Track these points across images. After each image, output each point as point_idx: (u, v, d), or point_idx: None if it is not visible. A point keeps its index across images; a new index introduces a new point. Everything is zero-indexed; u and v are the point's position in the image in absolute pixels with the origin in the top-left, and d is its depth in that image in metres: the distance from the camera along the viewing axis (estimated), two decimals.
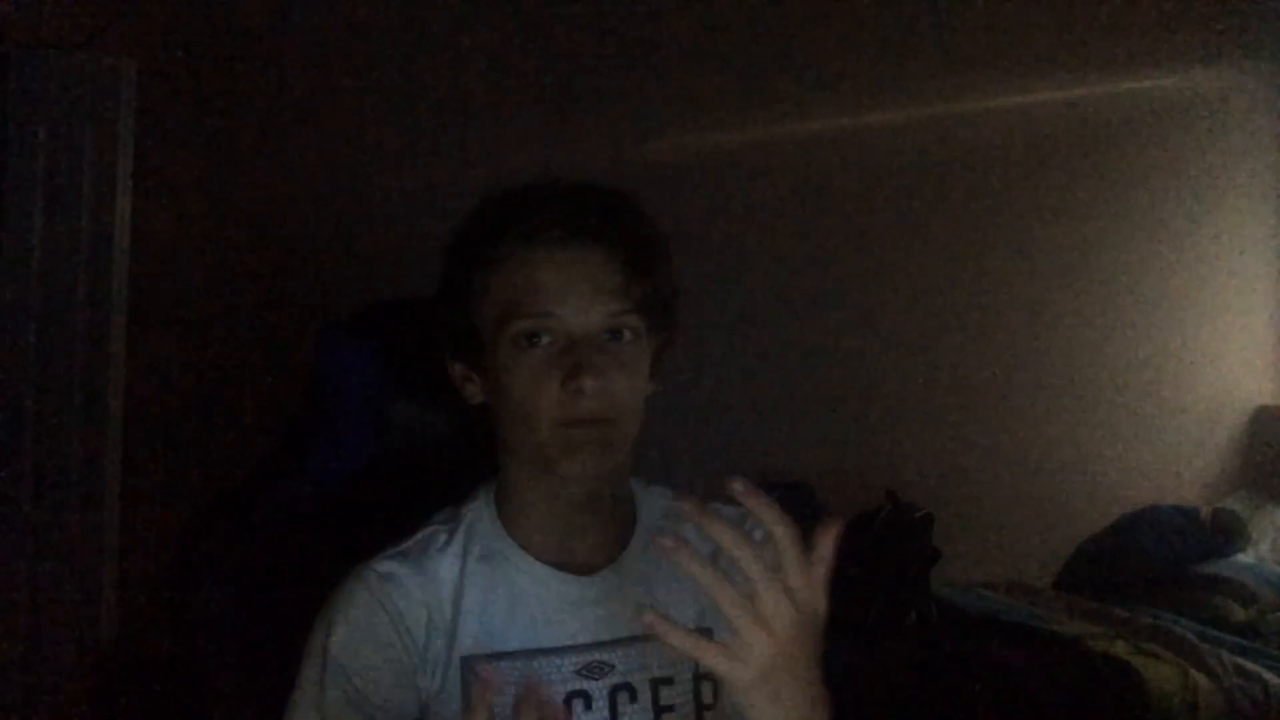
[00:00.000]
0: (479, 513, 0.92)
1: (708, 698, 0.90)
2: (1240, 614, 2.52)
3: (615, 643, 0.88)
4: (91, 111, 2.52)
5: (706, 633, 0.90)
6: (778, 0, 2.89)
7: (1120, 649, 2.16)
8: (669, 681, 0.89)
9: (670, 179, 2.82)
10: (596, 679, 0.87)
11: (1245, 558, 2.81)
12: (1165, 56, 3.10)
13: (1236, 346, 3.27)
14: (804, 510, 2.48)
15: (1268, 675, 2.15)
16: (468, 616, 0.86)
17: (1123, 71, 3.07)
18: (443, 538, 0.90)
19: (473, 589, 0.87)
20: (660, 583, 0.91)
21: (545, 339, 0.84)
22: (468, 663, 0.85)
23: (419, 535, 0.90)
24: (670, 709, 0.89)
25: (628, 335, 0.87)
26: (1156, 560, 2.72)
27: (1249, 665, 2.17)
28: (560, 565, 0.89)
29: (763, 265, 2.87)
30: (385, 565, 0.87)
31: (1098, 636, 2.24)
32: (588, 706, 0.86)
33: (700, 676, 0.90)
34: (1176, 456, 3.16)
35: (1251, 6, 3.12)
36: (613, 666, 0.88)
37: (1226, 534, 2.85)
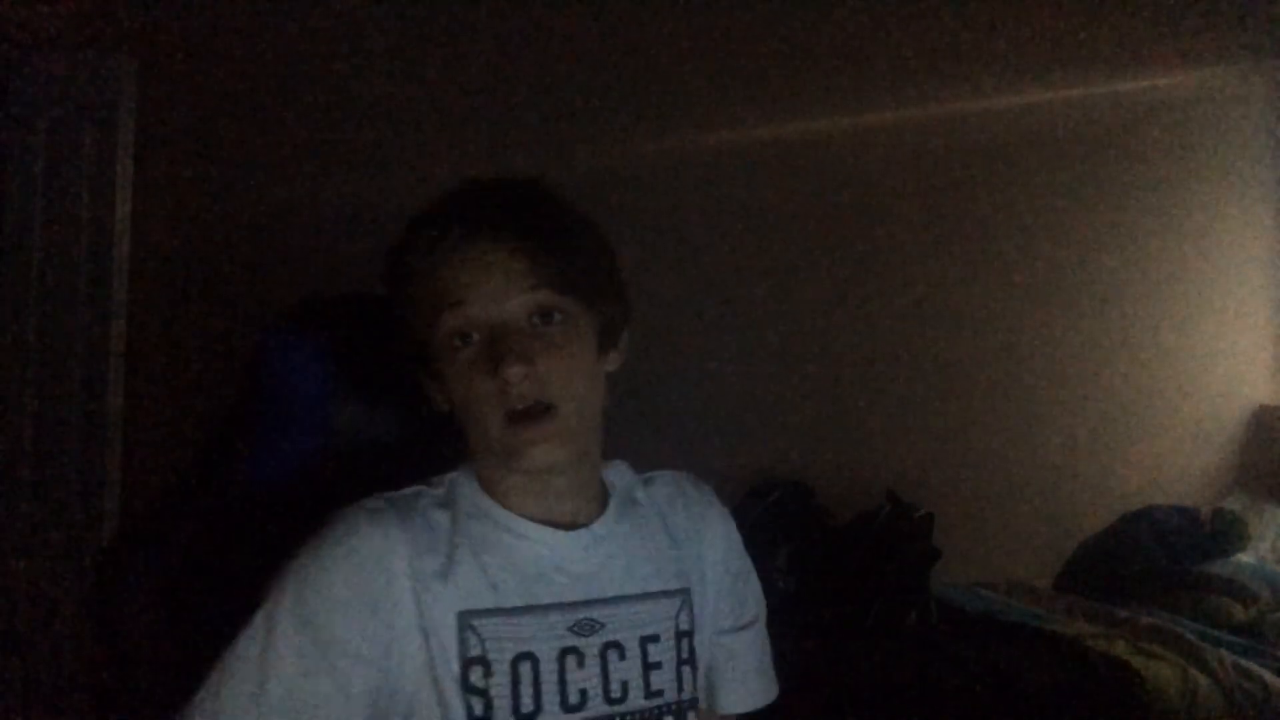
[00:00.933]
0: (459, 479, 0.93)
1: (686, 653, 0.94)
2: (1240, 614, 2.52)
3: (604, 601, 0.90)
4: (91, 111, 2.52)
5: (686, 593, 0.96)
6: (773, 1, 2.89)
7: (1120, 649, 2.15)
8: (655, 639, 0.92)
9: (671, 178, 2.82)
10: (587, 636, 0.89)
11: (1245, 558, 2.81)
12: (1165, 56, 3.10)
13: (1236, 346, 3.27)
14: (804, 510, 2.48)
15: (1268, 675, 2.15)
16: (462, 569, 0.86)
17: (1123, 71, 3.07)
18: (431, 493, 0.91)
19: (466, 542, 0.88)
20: (639, 546, 0.94)
21: (474, 336, 0.86)
22: (465, 618, 0.85)
23: (405, 490, 0.91)
24: (658, 665, 0.91)
25: (557, 316, 0.87)
26: (1156, 560, 2.72)
27: (1249, 665, 2.17)
28: (544, 523, 0.91)
29: (763, 265, 2.87)
30: (372, 503, 0.87)
31: (1098, 636, 2.24)
32: (580, 664, 0.88)
33: (680, 633, 0.94)
34: (1176, 456, 3.16)
35: (1251, 6, 3.12)
36: (603, 625, 0.90)
37: (1226, 534, 2.85)
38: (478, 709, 0.83)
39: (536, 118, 2.78)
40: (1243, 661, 2.18)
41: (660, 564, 0.95)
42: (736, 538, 1.03)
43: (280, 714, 0.80)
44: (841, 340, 2.93)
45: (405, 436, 0.99)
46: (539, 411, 0.85)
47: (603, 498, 0.96)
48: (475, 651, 0.84)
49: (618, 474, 1.00)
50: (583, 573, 0.90)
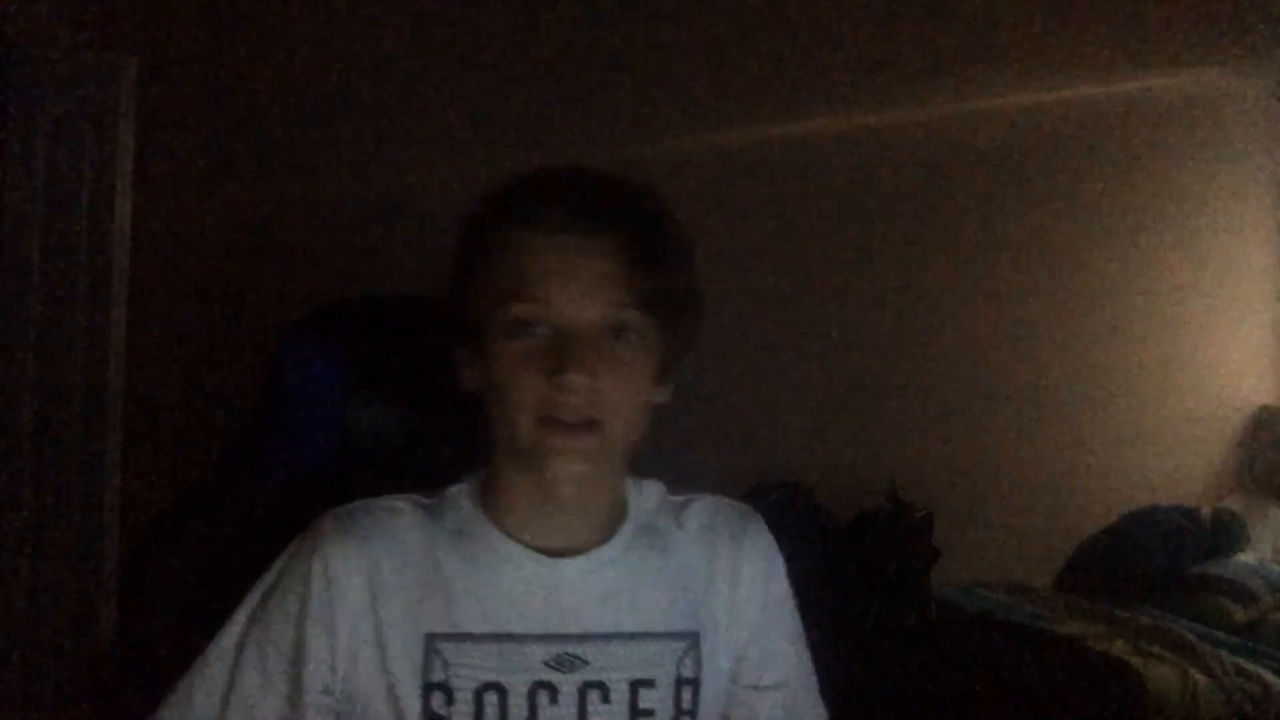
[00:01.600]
0: (460, 491, 0.88)
1: (687, 703, 0.86)
2: (1240, 614, 2.52)
3: (590, 636, 0.84)
4: (91, 111, 2.52)
5: (694, 637, 0.87)
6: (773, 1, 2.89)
7: (1120, 649, 2.16)
8: (650, 684, 0.85)
9: (671, 178, 2.81)
10: (566, 672, 0.83)
11: (1245, 558, 2.81)
12: (1165, 56, 3.10)
13: (1236, 347, 3.27)
14: (804, 510, 2.48)
15: (1268, 675, 2.15)
16: (434, 590, 0.83)
17: (1123, 71, 3.07)
18: (421, 503, 0.87)
19: (445, 562, 0.84)
20: (648, 578, 0.87)
21: (539, 328, 0.80)
22: (433, 640, 0.81)
23: (394, 498, 0.87)
24: (649, 714, 0.84)
25: (630, 334, 0.81)
26: (1156, 560, 2.72)
27: (1249, 665, 2.17)
28: (535, 548, 0.85)
29: (763, 264, 2.87)
30: (348, 510, 0.85)
31: (1098, 636, 2.24)
32: (553, 700, 0.82)
33: (682, 681, 0.86)
34: (1176, 456, 3.16)
35: (1251, 6, 3.12)
36: (586, 662, 0.83)
37: (1226, 534, 2.85)
38: None
39: (538, 117, 2.78)
40: (1243, 661, 2.18)
41: (670, 601, 0.87)
42: (780, 585, 0.95)
43: (241, 717, 0.81)
44: (841, 341, 2.93)
45: (420, 440, 0.98)
46: (581, 424, 0.79)
47: (615, 522, 0.89)
48: (438, 677, 0.81)
49: (645, 496, 0.92)
50: (572, 604, 0.84)
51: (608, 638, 0.84)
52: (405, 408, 0.98)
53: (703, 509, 0.93)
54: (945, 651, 2.06)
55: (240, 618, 0.84)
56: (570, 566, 0.85)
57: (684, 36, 2.84)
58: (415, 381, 0.95)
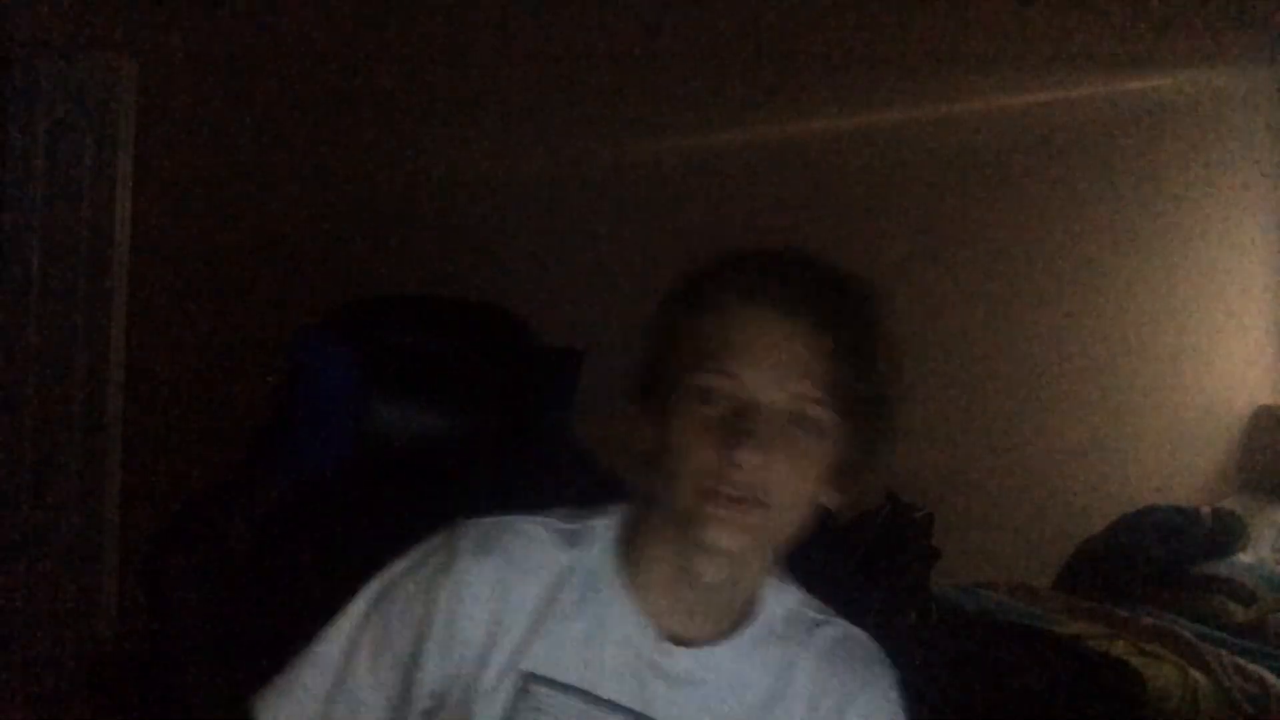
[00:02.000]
0: (602, 531, 0.86)
1: None
2: (1240, 614, 2.52)
3: None
4: (91, 111, 2.52)
5: None
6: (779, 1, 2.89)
7: (1120, 649, 2.16)
8: None
9: (670, 178, 2.82)
10: None
11: (1245, 558, 2.81)
12: (1165, 56, 3.10)
13: (1236, 346, 3.27)
14: None
15: (1268, 675, 2.15)
16: (547, 629, 0.82)
17: (1123, 71, 3.07)
18: (554, 534, 0.85)
19: (565, 605, 0.83)
20: (751, 691, 0.85)
21: (721, 401, 0.78)
22: (529, 679, 0.81)
23: (535, 518, 0.86)
24: None
25: (811, 426, 0.79)
26: (1156, 560, 2.72)
27: (1249, 665, 2.17)
28: (659, 623, 0.83)
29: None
30: (485, 528, 0.84)
31: (1098, 636, 2.24)
32: None
33: None
34: (1176, 456, 3.16)
35: (1251, 6, 3.12)
36: None
37: (1226, 534, 2.85)
38: None
39: (539, 116, 2.78)
40: (1243, 661, 2.18)
41: (764, 717, 0.85)
42: None
43: (347, 711, 0.82)
44: None
45: (438, 440, 0.98)
46: (743, 504, 0.77)
47: (743, 619, 0.86)
48: (523, 717, 0.80)
49: (781, 599, 0.90)
50: (666, 692, 0.82)
51: None
52: (422, 408, 0.98)
53: (835, 635, 0.91)
54: (945, 651, 2.06)
55: (356, 611, 0.84)
56: (684, 658, 0.83)
57: (684, 35, 2.84)
58: (432, 382, 0.95)
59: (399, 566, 0.85)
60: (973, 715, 1.90)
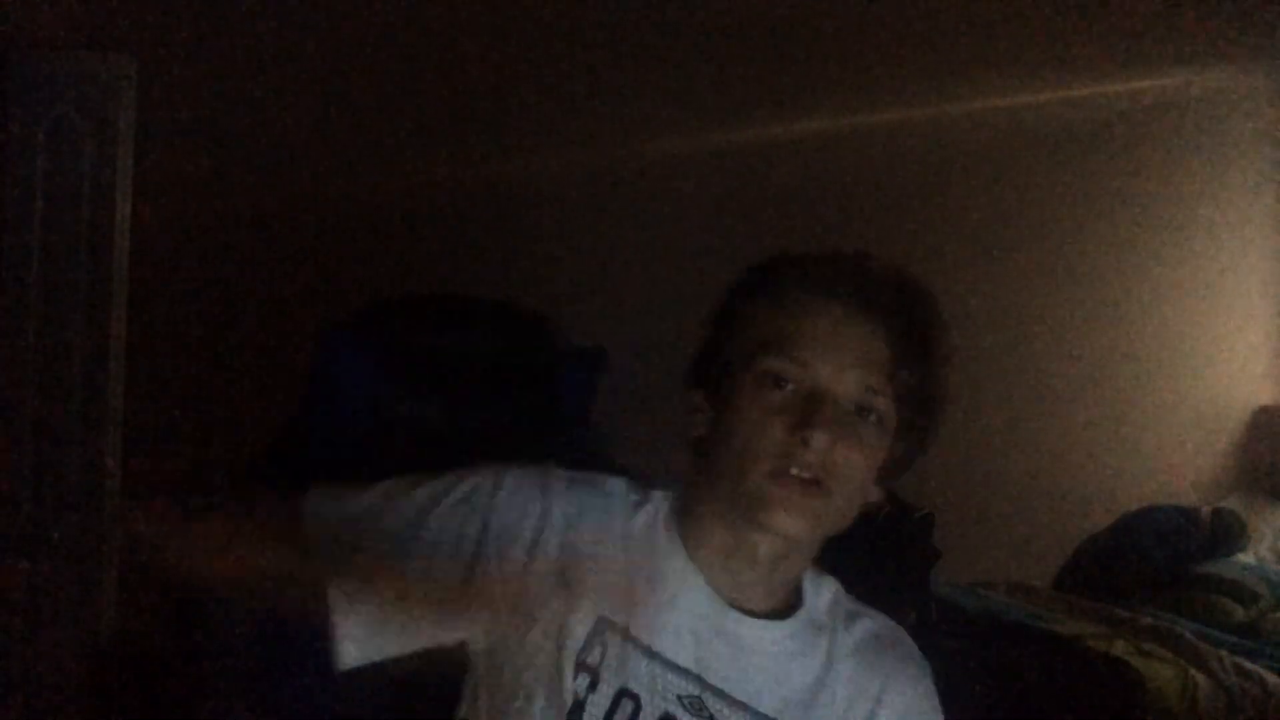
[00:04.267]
0: (660, 503, 0.89)
1: None
2: (1240, 614, 2.52)
3: (728, 697, 0.84)
4: (91, 111, 2.52)
5: None
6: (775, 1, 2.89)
7: (1120, 649, 2.16)
8: None
9: (670, 177, 2.82)
10: (692, 715, 0.83)
11: (1245, 558, 2.81)
12: (1165, 56, 3.10)
13: (1236, 347, 3.27)
14: None
15: (1268, 675, 2.15)
16: (617, 580, 0.84)
17: (1123, 71, 3.07)
18: (627, 492, 0.89)
19: (634, 561, 0.85)
20: (799, 673, 0.87)
21: (790, 386, 0.82)
22: (602, 623, 0.83)
23: (599, 478, 0.89)
24: None
25: (874, 418, 0.83)
26: (1156, 560, 2.72)
27: (1249, 665, 2.17)
28: (719, 592, 0.86)
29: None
30: (573, 483, 0.87)
31: (1098, 636, 2.24)
32: None
33: None
34: (1176, 456, 3.16)
35: (1251, 6, 3.12)
36: (712, 717, 0.83)
37: (1226, 534, 2.85)
38: (570, 706, 0.81)
39: (539, 116, 2.78)
40: (1243, 661, 2.18)
41: (807, 700, 0.86)
42: None
43: (410, 522, 0.83)
44: None
45: (461, 441, 0.97)
46: (810, 482, 0.80)
47: (790, 607, 0.89)
48: (592, 659, 0.82)
49: (821, 592, 0.93)
50: (728, 657, 0.84)
51: (742, 706, 0.84)
52: (443, 410, 0.98)
53: (873, 626, 0.94)
54: (945, 651, 2.06)
55: (443, 481, 0.86)
56: (746, 624, 0.86)
57: (680, 34, 2.84)
58: (458, 384, 0.94)
59: (490, 467, 0.86)
60: (973, 715, 1.90)
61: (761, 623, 0.86)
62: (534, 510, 0.84)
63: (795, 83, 2.87)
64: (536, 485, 0.85)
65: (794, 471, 0.80)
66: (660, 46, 2.81)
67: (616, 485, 0.89)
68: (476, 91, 2.76)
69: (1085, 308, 3.07)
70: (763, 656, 0.86)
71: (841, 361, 0.82)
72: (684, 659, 0.83)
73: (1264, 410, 3.24)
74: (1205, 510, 2.94)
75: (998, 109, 3.02)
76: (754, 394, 0.82)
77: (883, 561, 2.29)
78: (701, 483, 0.86)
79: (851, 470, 0.82)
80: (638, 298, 2.64)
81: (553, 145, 2.74)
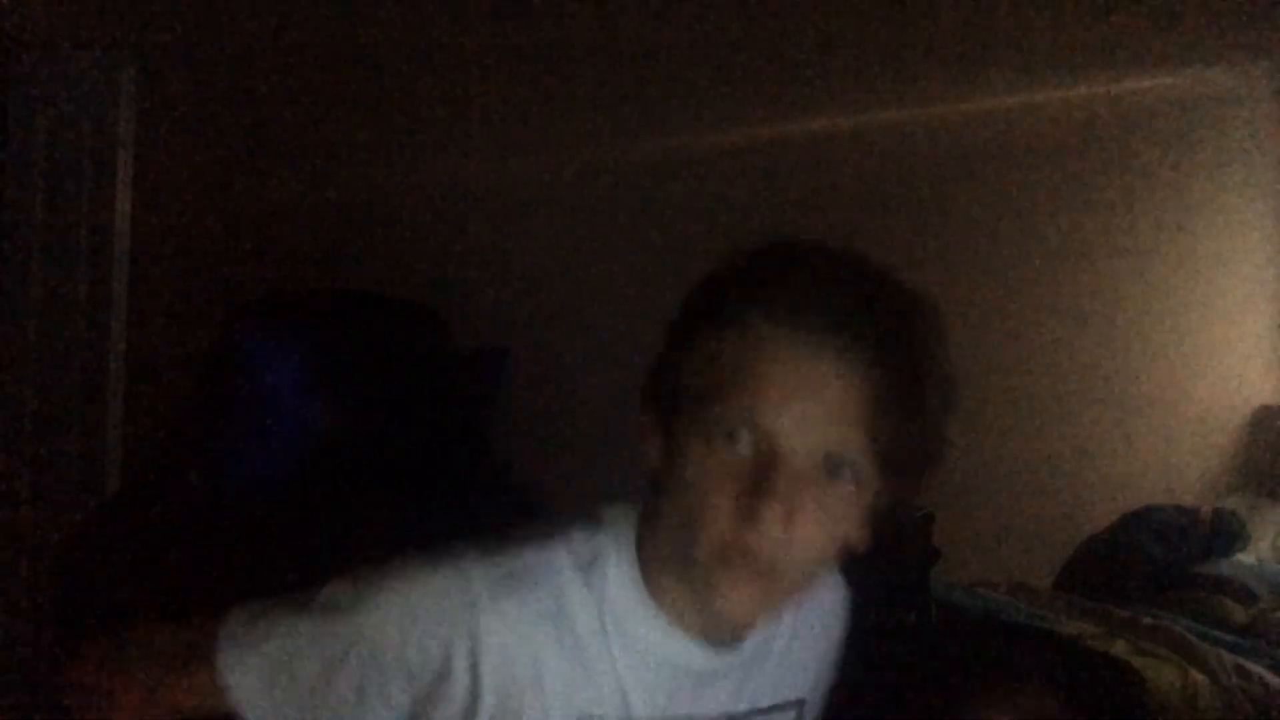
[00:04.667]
0: (609, 546, 0.76)
1: None
2: (1240, 614, 2.52)
3: (739, 715, 0.79)
4: (91, 111, 2.52)
5: (800, 705, 0.85)
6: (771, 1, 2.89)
7: (1120, 649, 2.15)
8: None
9: (669, 178, 2.82)
10: None
11: (1245, 558, 2.81)
12: (1165, 56, 3.10)
13: (1236, 346, 3.27)
14: None
15: (1268, 675, 2.14)
16: (598, 667, 0.74)
17: (1123, 71, 3.07)
18: (572, 555, 0.75)
19: (607, 634, 0.74)
20: (775, 662, 0.82)
21: (743, 443, 0.67)
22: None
23: (531, 555, 0.74)
24: None
25: (847, 474, 0.68)
26: (1156, 560, 2.72)
27: (1249, 665, 2.17)
28: (693, 632, 0.77)
29: None
30: (496, 587, 0.72)
31: (1098, 636, 2.24)
32: None
33: None
34: (1176, 456, 3.16)
35: (1251, 6, 3.12)
36: None
37: (1226, 534, 2.85)
38: None
39: (538, 116, 2.78)
40: (1243, 661, 2.18)
41: (782, 673, 0.83)
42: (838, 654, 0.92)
43: (301, 691, 0.73)
44: None
45: (389, 440, 0.93)
46: (764, 568, 0.68)
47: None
48: None
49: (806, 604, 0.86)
50: (725, 686, 0.78)
51: (750, 714, 0.80)
52: (372, 407, 0.93)
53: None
54: (945, 651, 2.06)
55: (344, 602, 0.73)
56: (732, 655, 0.78)
57: (677, 34, 2.84)
58: (360, 379, 0.90)
59: (409, 591, 0.73)
60: (973, 715, 1.90)
61: (730, 648, 0.78)
62: (460, 655, 0.71)
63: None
64: (458, 620, 0.71)
65: (741, 557, 0.67)
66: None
67: (556, 561, 0.75)
68: (473, 90, 2.76)
69: (1085, 307, 3.07)
70: (751, 661, 0.80)
71: (804, 413, 0.66)
72: (691, 706, 0.77)
73: (1264, 410, 3.24)
74: (1205, 510, 2.94)
75: (998, 109, 3.02)
76: (701, 446, 0.68)
77: (883, 561, 2.29)
78: (658, 525, 0.75)
79: (813, 542, 0.69)
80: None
81: (552, 146, 2.74)
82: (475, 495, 0.94)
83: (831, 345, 0.66)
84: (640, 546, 0.77)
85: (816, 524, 0.68)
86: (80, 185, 2.55)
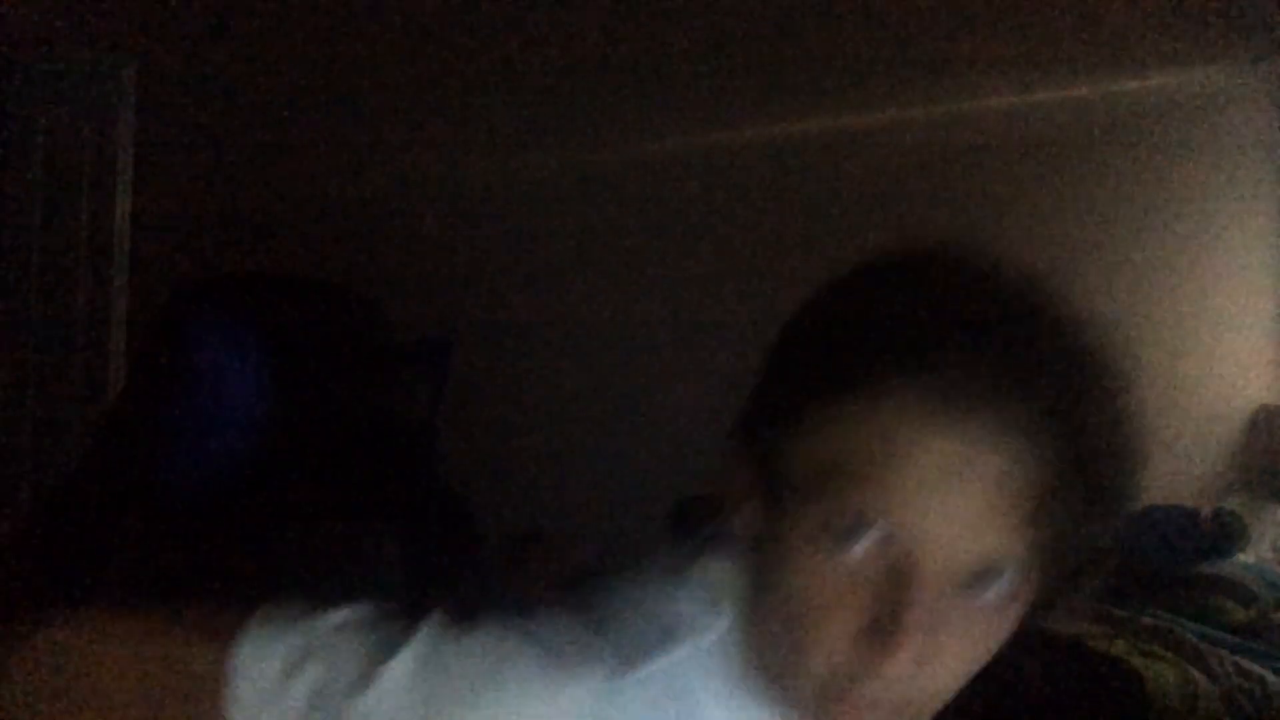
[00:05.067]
0: (704, 668, 0.59)
1: None
2: (1240, 614, 2.51)
3: None
4: (91, 112, 2.52)
5: None
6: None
7: (1120, 649, 2.15)
8: None
9: (671, 177, 2.82)
10: None
11: (1245, 558, 2.80)
12: (1165, 56, 3.10)
13: (1236, 347, 3.27)
14: None
15: (1268, 675, 2.14)
16: None
17: (1123, 71, 3.07)
18: (687, 647, 0.58)
19: None
20: None
21: (871, 548, 0.51)
22: None
23: (660, 660, 0.56)
24: None
25: (994, 591, 0.52)
26: (1156, 562, 2.72)
27: (1249, 665, 2.17)
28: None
29: (765, 264, 2.87)
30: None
31: (1098, 636, 2.24)
32: None
33: None
34: (1176, 457, 3.15)
35: (1251, 6, 3.12)
36: None
37: (1226, 534, 2.84)
38: None
39: (537, 117, 2.78)
40: (1243, 661, 2.18)
41: None
42: None
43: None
44: None
45: (347, 437, 0.87)
46: (889, 713, 0.54)
47: None
48: None
49: None
50: None
51: None
52: (329, 401, 0.87)
53: None
54: None
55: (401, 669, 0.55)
56: None
57: (681, 35, 2.84)
58: (342, 371, 0.85)
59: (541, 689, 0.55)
60: (973, 715, 1.90)
61: None
62: None
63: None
64: None
65: (859, 698, 0.52)
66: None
67: (681, 665, 0.56)
68: (472, 90, 2.76)
69: (1085, 307, 3.07)
70: None
71: (955, 513, 0.50)
72: None
73: (1264, 410, 3.24)
74: (1206, 510, 2.93)
75: (998, 109, 3.02)
76: (815, 545, 0.52)
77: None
78: (755, 631, 0.58)
79: (954, 675, 0.55)
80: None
81: (551, 147, 2.74)
82: (415, 490, 0.89)
83: (995, 423, 0.50)
84: (736, 647, 0.59)
85: (960, 654, 0.53)
86: (80, 185, 2.55)
